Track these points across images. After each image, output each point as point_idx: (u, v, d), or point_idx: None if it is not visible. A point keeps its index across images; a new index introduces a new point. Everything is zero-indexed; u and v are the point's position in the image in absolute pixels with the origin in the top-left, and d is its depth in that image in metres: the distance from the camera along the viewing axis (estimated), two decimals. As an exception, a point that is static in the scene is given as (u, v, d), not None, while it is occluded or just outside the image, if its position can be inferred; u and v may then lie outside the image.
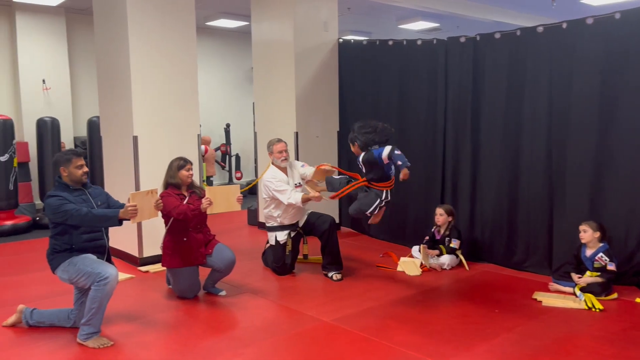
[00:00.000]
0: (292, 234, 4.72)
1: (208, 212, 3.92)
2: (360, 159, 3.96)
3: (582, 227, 4.16)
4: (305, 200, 4.49)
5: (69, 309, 3.56)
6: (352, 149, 4.06)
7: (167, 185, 4.11)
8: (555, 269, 4.50)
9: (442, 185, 5.47)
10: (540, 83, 4.66)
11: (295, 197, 4.52)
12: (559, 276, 4.29)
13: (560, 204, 4.57)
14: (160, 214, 3.74)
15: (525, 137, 4.79)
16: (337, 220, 6.05)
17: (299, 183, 4.81)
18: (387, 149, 3.82)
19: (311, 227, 4.76)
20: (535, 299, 4.04)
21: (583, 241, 4.16)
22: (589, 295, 3.92)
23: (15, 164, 6.91)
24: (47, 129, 7.78)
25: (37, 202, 7.89)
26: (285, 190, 4.55)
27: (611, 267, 4.05)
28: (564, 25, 4.46)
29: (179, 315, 3.87)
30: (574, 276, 4.14)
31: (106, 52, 5.35)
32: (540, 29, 4.63)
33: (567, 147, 4.49)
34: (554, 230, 4.63)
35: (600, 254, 4.08)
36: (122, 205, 3.55)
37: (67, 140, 8.59)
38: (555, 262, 4.56)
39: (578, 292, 3.99)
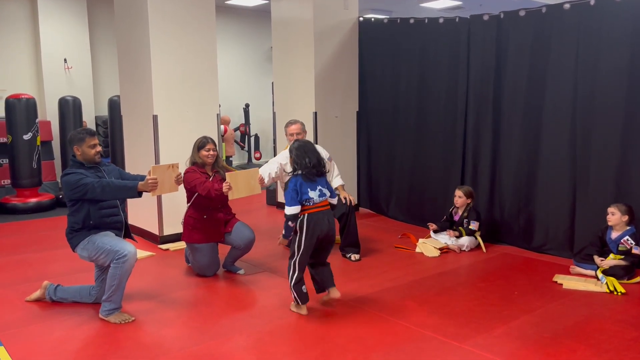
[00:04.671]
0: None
1: (230, 197, 3.91)
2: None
3: (610, 210, 4.09)
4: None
5: (91, 286, 3.62)
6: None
7: (193, 164, 4.13)
8: (577, 252, 4.44)
9: (462, 166, 5.41)
10: (565, 62, 4.54)
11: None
12: (581, 259, 4.24)
13: (583, 186, 4.48)
14: (180, 188, 3.76)
15: (549, 118, 4.70)
16: (355, 202, 6.04)
17: None
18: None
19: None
20: (556, 282, 4.00)
21: (610, 223, 4.10)
22: (611, 278, 3.86)
23: (38, 143, 7.02)
24: (69, 108, 7.87)
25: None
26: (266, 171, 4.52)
27: (636, 250, 3.98)
28: (592, 2, 4.33)
29: (198, 292, 3.92)
30: (597, 259, 4.09)
31: (126, 31, 5.35)
32: (567, 5, 4.50)
33: (593, 129, 4.39)
34: (577, 212, 4.55)
35: (627, 237, 4.02)
36: (136, 177, 3.59)
37: (88, 119, 8.68)
38: (577, 244, 4.50)
39: (600, 275, 3.94)
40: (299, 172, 3.46)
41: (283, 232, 3.46)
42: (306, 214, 3.41)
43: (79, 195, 3.30)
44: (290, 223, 3.41)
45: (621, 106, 4.22)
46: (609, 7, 4.24)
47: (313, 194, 3.43)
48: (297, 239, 3.43)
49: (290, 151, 3.57)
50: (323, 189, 3.50)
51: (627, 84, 4.18)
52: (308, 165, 3.44)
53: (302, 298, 3.46)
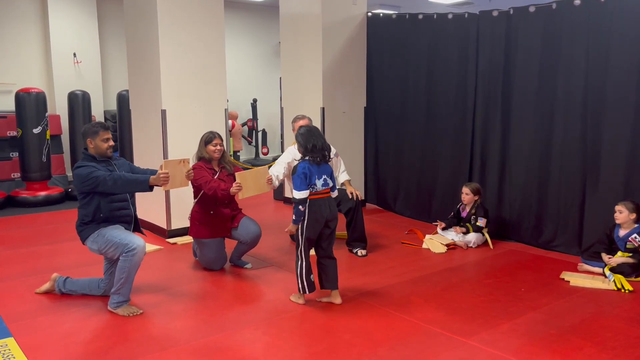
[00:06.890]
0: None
1: (240, 196, 3.89)
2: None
3: (618, 208, 4.07)
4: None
5: (100, 278, 3.66)
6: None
7: (199, 159, 4.15)
8: (584, 249, 4.42)
9: (470, 163, 5.40)
10: (575, 59, 4.51)
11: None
12: (589, 256, 4.23)
13: (593, 183, 4.46)
14: (190, 184, 3.78)
15: (558, 115, 4.67)
16: (362, 197, 6.04)
17: None
18: (296, 186, 3.41)
19: (337, 203, 4.76)
20: (563, 279, 3.99)
21: (618, 222, 4.08)
22: (619, 276, 3.85)
23: (48, 137, 7.06)
24: (78, 102, 7.91)
25: (69, 173, 8.07)
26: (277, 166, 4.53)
27: (644, 248, 3.97)
28: (602, -2, 4.31)
29: (205, 286, 3.94)
30: (604, 256, 4.07)
31: (135, 26, 5.37)
32: (577, 1, 4.46)
33: (603, 125, 4.36)
34: (586, 210, 4.53)
35: (634, 235, 4.00)
36: (146, 171, 3.61)
37: (97, 113, 8.73)
38: (585, 242, 4.48)
39: (607, 273, 3.92)
40: (307, 157, 3.47)
41: (293, 217, 3.47)
42: (308, 200, 3.43)
43: (90, 188, 3.32)
44: (300, 207, 3.42)
45: (632, 103, 4.19)
46: (620, 3, 4.20)
47: (318, 182, 3.45)
48: (300, 227, 3.46)
49: (297, 137, 3.57)
50: (327, 179, 3.52)
51: (637, 80, 4.15)
52: (313, 149, 3.44)
53: (310, 287, 3.48)
